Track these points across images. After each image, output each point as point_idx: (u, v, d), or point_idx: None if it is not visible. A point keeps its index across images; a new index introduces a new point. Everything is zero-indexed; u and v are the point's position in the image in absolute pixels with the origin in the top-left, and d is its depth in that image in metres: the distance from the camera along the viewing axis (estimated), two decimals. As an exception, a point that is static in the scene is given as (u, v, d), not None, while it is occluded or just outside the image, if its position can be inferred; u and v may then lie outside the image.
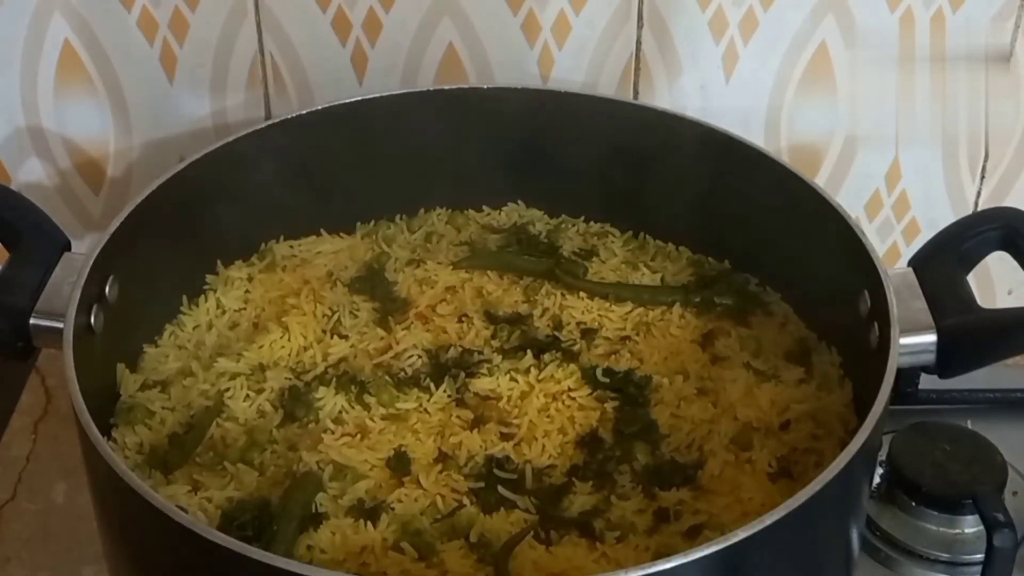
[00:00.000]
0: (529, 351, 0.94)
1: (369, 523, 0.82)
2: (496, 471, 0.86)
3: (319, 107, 1.03)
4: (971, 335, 0.86)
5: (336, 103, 1.03)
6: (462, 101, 1.05)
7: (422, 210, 1.09)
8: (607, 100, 1.08)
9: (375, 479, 0.85)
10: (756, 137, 1.09)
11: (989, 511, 0.92)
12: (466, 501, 0.84)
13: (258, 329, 0.97)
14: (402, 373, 0.93)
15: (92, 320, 0.86)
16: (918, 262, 0.91)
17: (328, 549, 0.80)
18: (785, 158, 1.06)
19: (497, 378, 0.92)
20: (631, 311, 0.99)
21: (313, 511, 0.83)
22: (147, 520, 0.73)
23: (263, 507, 0.83)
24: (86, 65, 1.10)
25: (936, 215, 1.15)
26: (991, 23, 1.08)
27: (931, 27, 1.08)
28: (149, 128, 1.14)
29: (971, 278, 0.91)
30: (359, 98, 1.04)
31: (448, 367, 0.93)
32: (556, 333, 0.97)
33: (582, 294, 1.00)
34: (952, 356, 0.86)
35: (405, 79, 1.12)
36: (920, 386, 1.08)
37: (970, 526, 0.97)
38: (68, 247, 0.90)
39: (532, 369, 0.93)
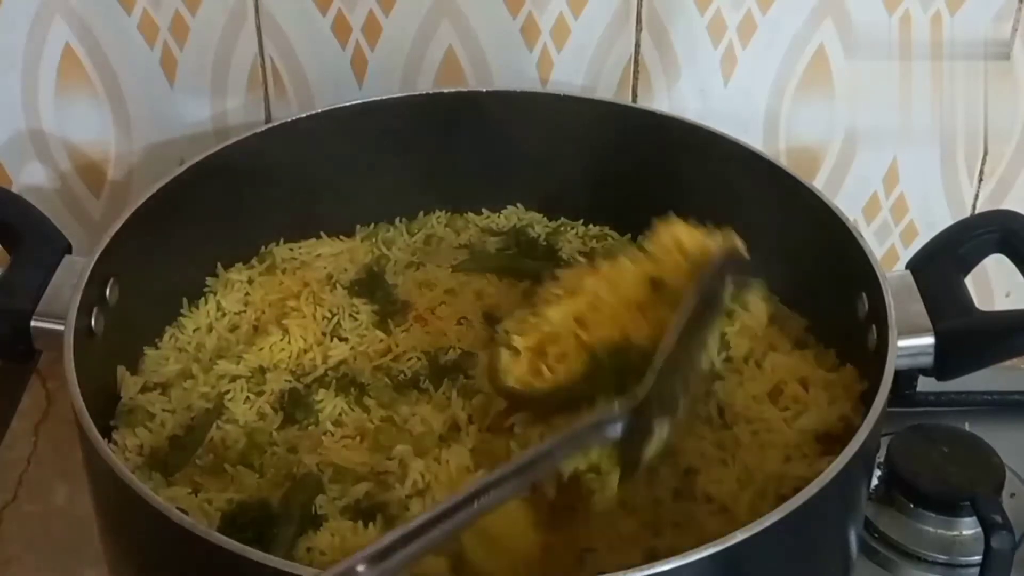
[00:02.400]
0: (528, 353, 0.95)
1: (370, 524, 0.82)
2: None
3: (319, 110, 1.03)
4: (969, 337, 0.87)
5: (336, 106, 1.03)
6: (461, 104, 1.05)
7: (422, 213, 1.09)
8: (606, 103, 1.08)
9: (374, 481, 0.85)
10: (754, 140, 1.09)
11: (987, 513, 0.92)
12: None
13: (258, 332, 0.97)
14: (401, 375, 0.93)
15: (93, 322, 0.86)
16: (916, 265, 0.91)
17: (328, 551, 0.80)
18: (783, 161, 1.07)
19: None
20: (630, 313, 0.99)
21: (313, 512, 0.83)
22: (148, 522, 0.73)
23: (263, 509, 0.83)
24: (87, 68, 1.11)
25: (934, 218, 1.15)
26: (990, 25, 1.08)
27: (930, 29, 1.08)
28: (149, 131, 1.14)
29: (969, 280, 0.91)
30: (359, 101, 1.04)
31: (447, 369, 0.94)
32: (555, 335, 0.97)
33: (581, 296, 1.01)
34: (950, 358, 0.86)
35: (404, 82, 1.12)
36: (918, 388, 1.08)
37: (968, 528, 0.97)
38: (69, 250, 0.91)
39: (531, 371, 0.93)
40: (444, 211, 1.10)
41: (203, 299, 1.00)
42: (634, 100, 1.13)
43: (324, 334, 0.96)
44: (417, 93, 1.07)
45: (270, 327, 0.96)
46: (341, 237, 1.07)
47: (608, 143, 1.04)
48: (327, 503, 0.83)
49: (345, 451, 0.87)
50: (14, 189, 1.14)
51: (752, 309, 0.96)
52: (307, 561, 0.80)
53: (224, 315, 0.99)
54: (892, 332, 0.83)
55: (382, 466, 0.86)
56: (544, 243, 1.07)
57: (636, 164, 1.03)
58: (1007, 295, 1.20)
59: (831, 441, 0.85)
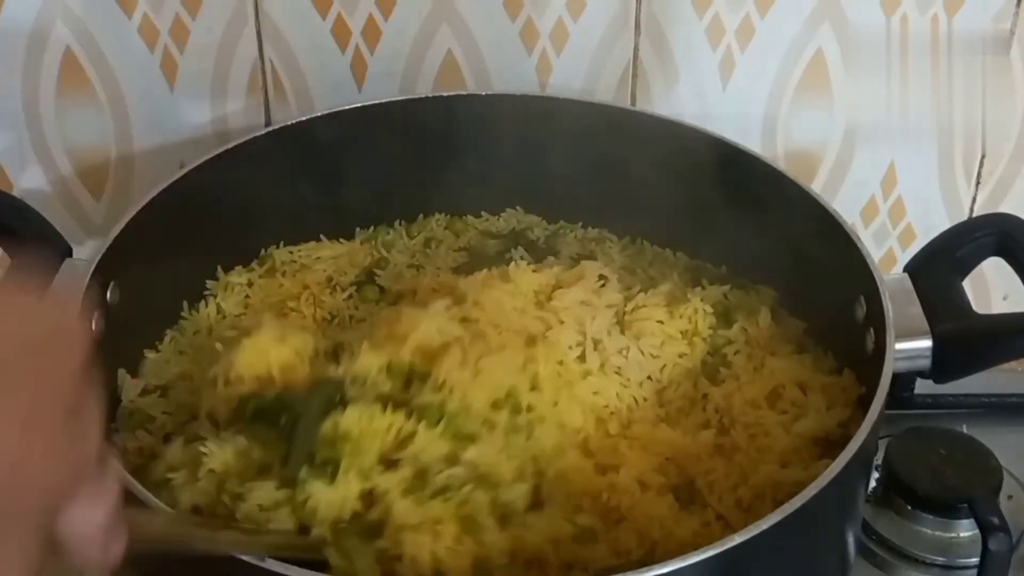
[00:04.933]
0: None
1: (399, 411, 0.80)
2: None
3: (319, 113, 1.04)
4: (966, 340, 0.87)
5: (335, 109, 1.04)
6: (461, 107, 1.06)
7: (421, 216, 1.10)
8: (605, 107, 1.08)
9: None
10: (753, 143, 1.09)
11: (984, 515, 0.92)
12: None
13: (258, 334, 0.97)
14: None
15: (93, 325, 0.86)
16: (914, 268, 0.91)
17: (354, 428, 0.78)
18: (782, 164, 1.07)
19: None
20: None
21: (338, 399, 0.80)
22: (148, 524, 0.73)
23: (281, 401, 0.81)
24: (87, 72, 1.11)
25: (932, 221, 1.15)
26: (988, 26, 1.09)
27: (927, 33, 1.09)
28: (150, 134, 1.14)
29: (967, 283, 0.91)
30: (358, 104, 1.04)
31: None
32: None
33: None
34: (947, 361, 0.86)
35: (404, 86, 1.12)
36: (916, 391, 1.08)
37: (965, 530, 0.97)
38: (70, 253, 0.91)
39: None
40: (443, 214, 1.10)
41: (203, 302, 1.00)
42: (633, 103, 1.13)
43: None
44: (416, 96, 1.08)
45: (270, 329, 0.96)
46: (341, 240, 1.07)
47: (607, 146, 1.04)
48: (353, 390, 0.81)
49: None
50: (15, 192, 1.14)
51: (752, 313, 0.97)
52: (331, 438, 0.77)
53: (224, 318, 0.99)
54: (890, 335, 0.83)
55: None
56: (543, 245, 1.07)
57: (635, 167, 1.04)
58: (1004, 298, 1.20)
59: (829, 445, 0.86)
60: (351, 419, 0.78)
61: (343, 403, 0.79)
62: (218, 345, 0.92)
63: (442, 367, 0.82)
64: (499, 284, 0.94)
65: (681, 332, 0.94)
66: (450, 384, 0.82)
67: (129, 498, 0.72)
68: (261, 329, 0.87)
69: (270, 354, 0.85)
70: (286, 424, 0.79)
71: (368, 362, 0.83)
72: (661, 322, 0.93)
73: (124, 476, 0.73)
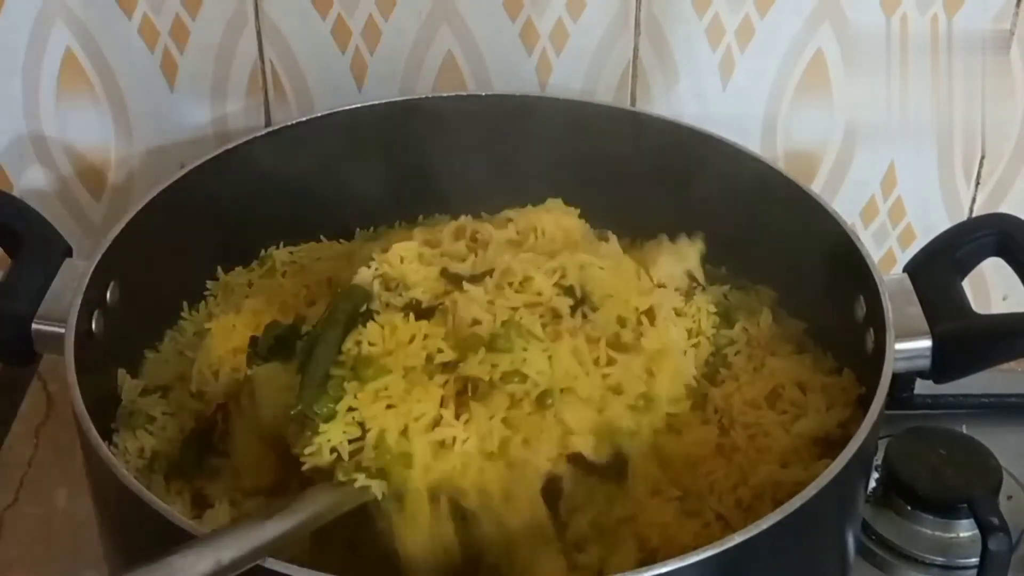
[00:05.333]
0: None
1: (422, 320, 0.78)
2: None
3: (319, 114, 1.04)
4: (966, 340, 0.87)
5: (335, 110, 1.04)
6: (460, 108, 1.06)
7: (421, 216, 1.10)
8: (604, 107, 1.08)
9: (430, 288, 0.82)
10: (752, 144, 1.10)
11: (984, 515, 0.92)
12: None
13: (258, 335, 0.97)
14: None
15: (93, 326, 0.87)
16: (913, 268, 0.91)
17: (377, 341, 0.77)
18: (781, 165, 1.07)
19: None
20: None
21: (363, 310, 0.79)
22: (148, 523, 0.73)
23: (297, 326, 0.80)
24: (87, 72, 1.11)
25: (932, 221, 1.15)
26: (988, 26, 1.09)
27: (927, 33, 1.09)
28: (150, 135, 1.14)
29: (966, 284, 0.91)
30: (358, 105, 1.04)
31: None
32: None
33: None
34: (947, 361, 0.86)
35: (404, 86, 1.12)
36: (916, 391, 1.08)
37: (965, 530, 0.97)
38: (69, 253, 0.91)
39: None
40: (443, 214, 1.10)
41: (203, 302, 1.01)
42: (632, 104, 1.13)
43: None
44: (416, 97, 1.08)
45: (270, 330, 0.96)
46: (341, 241, 1.07)
47: (606, 146, 1.04)
48: (379, 302, 0.80)
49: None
50: (15, 192, 1.14)
51: (753, 313, 0.97)
52: (354, 354, 0.77)
53: (224, 318, 0.99)
54: (889, 335, 0.83)
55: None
56: (543, 246, 1.07)
57: (634, 167, 1.04)
58: (1004, 298, 1.20)
59: (829, 445, 0.86)
60: (373, 335, 0.76)
61: (369, 316, 0.77)
62: (189, 353, 0.93)
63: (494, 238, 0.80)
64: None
65: (688, 331, 0.94)
66: (503, 267, 0.78)
67: (129, 499, 0.73)
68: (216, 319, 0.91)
69: (232, 323, 0.88)
70: (303, 349, 0.76)
71: (401, 251, 0.80)
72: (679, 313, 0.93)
73: (125, 476, 0.73)
